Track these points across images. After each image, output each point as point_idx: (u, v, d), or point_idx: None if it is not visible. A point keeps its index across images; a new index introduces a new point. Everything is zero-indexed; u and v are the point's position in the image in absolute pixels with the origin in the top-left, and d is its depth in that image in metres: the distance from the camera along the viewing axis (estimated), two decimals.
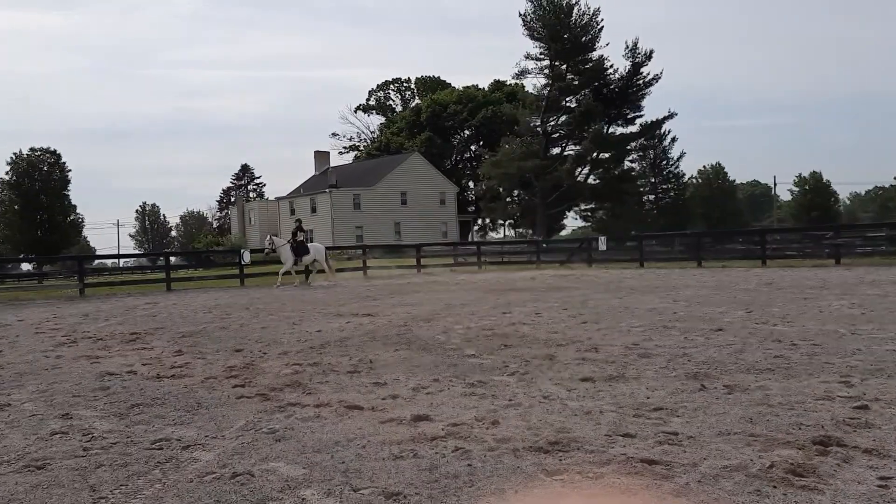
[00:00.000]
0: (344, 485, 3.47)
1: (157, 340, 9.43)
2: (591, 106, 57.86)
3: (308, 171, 75.35)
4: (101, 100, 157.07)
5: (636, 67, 59.93)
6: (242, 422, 4.80)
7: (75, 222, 69.44)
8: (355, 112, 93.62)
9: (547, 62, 60.30)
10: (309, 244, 23.53)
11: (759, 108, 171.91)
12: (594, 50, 59.90)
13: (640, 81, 60.34)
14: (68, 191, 67.99)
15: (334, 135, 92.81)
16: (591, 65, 59.83)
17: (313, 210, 64.28)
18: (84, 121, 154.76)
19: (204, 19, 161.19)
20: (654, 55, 60.01)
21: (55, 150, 67.50)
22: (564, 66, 60.02)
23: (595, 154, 61.17)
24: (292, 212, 66.82)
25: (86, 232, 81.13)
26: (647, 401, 4.96)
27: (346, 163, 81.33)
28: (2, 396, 5.97)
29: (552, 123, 62.24)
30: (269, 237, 23.84)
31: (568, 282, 18.83)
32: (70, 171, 68.06)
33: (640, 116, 62.01)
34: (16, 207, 65.21)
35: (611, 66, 60.43)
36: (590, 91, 59.61)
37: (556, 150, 63.95)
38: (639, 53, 59.79)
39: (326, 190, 63.10)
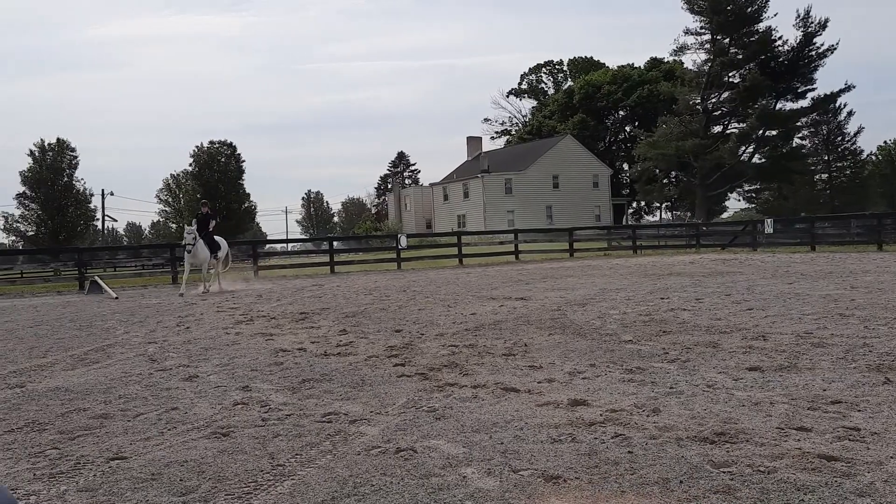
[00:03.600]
0: (503, 465, 3.52)
1: (324, 320, 9.97)
2: (757, 80, 54.56)
3: (461, 156, 76.51)
4: (269, 95, 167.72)
5: (808, 38, 55.88)
6: (403, 399, 4.98)
7: (249, 209, 74.71)
8: (507, 97, 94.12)
9: (708, 36, 57.59)
10: (216, 237, 18.06)
11: None
12: (760, 21, 56.51)
13: (813, 52, 56.28)
14: (243, 180, 73.36)
15: (486, 120, 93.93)
16: (756, 37, 56.48)
17: (465, 195, 65.13)
18: (255, 115, 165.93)
19: (360, 14, 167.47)
20: (829, 23, 55.70)
21: (231, 143, 73.04)
22: (727, 40, 57.00)
23: (761, 131, 57.79)
24: (445, 197, 68.08)
25: (258, 218, 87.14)
26: (823, 393, 4.64)
27: (498, 148, 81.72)
28: (191, 368, 6.56)
29: (713, 101, 59.41)
30: (188, 229, 17.31)
31: (730, 266, 17.91)
32: (244, 161, 73.38)
33: (812, 90, 57.94)
34: (198, 196, 71.10)
35: (779, 38, 56.85)
36: (755, 65, 56.26)
37: (717, 129, 61.03)
38: (811, 22, 55.76)
39: (478, 175, 63.70)
